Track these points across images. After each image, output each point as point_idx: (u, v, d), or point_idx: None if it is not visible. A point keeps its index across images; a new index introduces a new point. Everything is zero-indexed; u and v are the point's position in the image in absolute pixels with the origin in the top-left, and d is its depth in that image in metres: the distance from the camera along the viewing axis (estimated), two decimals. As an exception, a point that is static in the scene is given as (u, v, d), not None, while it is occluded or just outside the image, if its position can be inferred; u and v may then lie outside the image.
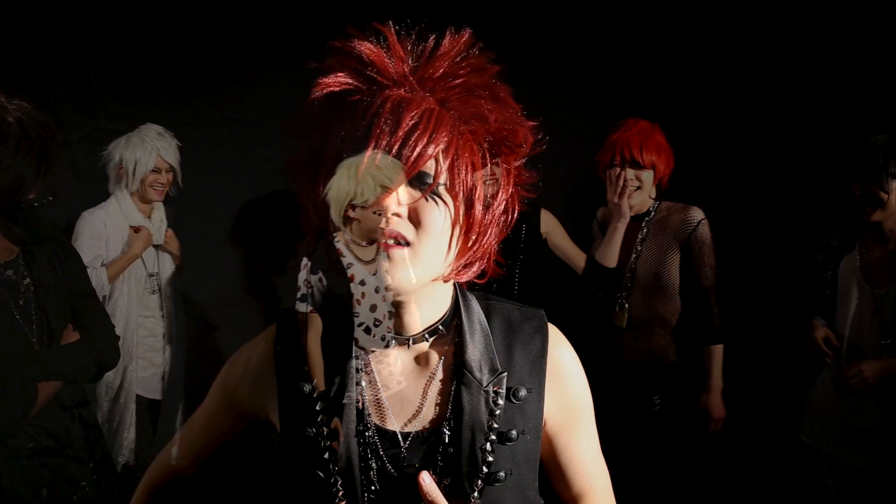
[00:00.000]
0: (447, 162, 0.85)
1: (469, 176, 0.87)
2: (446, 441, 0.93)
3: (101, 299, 2.79)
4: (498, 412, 0.93)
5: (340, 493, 0.91)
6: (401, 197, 0.83)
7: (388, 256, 0.83)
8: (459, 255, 0.90)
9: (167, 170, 2.81)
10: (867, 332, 2.23)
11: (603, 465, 1.07)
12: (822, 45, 2.84)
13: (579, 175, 3.01)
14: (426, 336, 0.94)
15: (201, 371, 3.02)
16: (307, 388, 0.93)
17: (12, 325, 1.76)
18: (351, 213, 0.83)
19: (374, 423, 0.93)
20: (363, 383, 0.94)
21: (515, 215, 0.95)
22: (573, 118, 2.86)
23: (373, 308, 0.84)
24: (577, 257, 2.90)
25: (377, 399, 0.94)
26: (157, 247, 2.87)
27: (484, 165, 0.88)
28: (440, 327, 0.95)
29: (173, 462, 1.10)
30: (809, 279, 2.47)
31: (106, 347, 2.02)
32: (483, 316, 0.99)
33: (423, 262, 0.85)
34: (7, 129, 1.60)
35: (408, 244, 0.84)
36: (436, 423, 0.94)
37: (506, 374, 0.95)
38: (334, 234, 0.84)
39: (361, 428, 0.92)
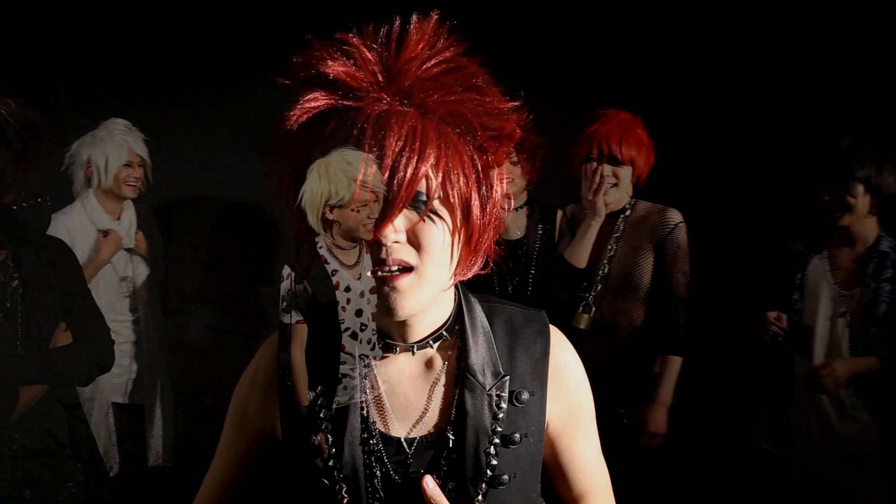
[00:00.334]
0: (439, 176, 0.83)
1: (463, 184, 0.85)
2: (450, 445, 0.93)
3: None
4: (501, 415, 0.93)
5: (345, 501, 0.91)
6: (397, 225, 0.82)
7: (395, 287, 0.83)
8: (462, 261, 0.90)
9: (139, 164, 2.70)
10: (836, 333, 2.26)
11: (603, 466, 1.07)
12: (788, 51, 2.83)
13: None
14: (430, 342, 0.94)
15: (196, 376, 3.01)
16: (310, 396, 0.93)
17: None
18: (329, 216, 0.82)
19: (379, 430, 0.93)
20: (367, 390, 0.94)
21: (512, 206, 0.94)
22: (568, 112, 2.83)
23: (358, 313, 0.83)
24: None
25: (381, 405, 0.94)
26: (128, 250, 2.76)
27: (475, 168, 0.87)
28: (444, 333, 0.95)
29: None
30: (776, 284, 2.45)
31: (99, 351, 1.96)
32: (485, 319, 0.99)
33: (429, 282, 0.85)
34: None
35: (412, 268, 0.83)
36: (440, 428, 0.94)
37: (508, 377, 0.95)
38: (316, 240, 0.83)
39: (366, 435, 0.92)
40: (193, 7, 2.88)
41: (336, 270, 0.82)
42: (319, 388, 0.93)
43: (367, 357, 0.93)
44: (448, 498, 0.91)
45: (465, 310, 0.97)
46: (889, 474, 2.23)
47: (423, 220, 0.83)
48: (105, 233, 2.65)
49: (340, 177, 0.80)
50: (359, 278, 0.82)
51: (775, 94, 2.86)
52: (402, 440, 0.93)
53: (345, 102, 0.83)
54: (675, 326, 2.36)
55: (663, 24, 2.97)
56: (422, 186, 0.82)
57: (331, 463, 0.91)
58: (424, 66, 0.84)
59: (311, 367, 0.94)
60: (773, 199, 2.82)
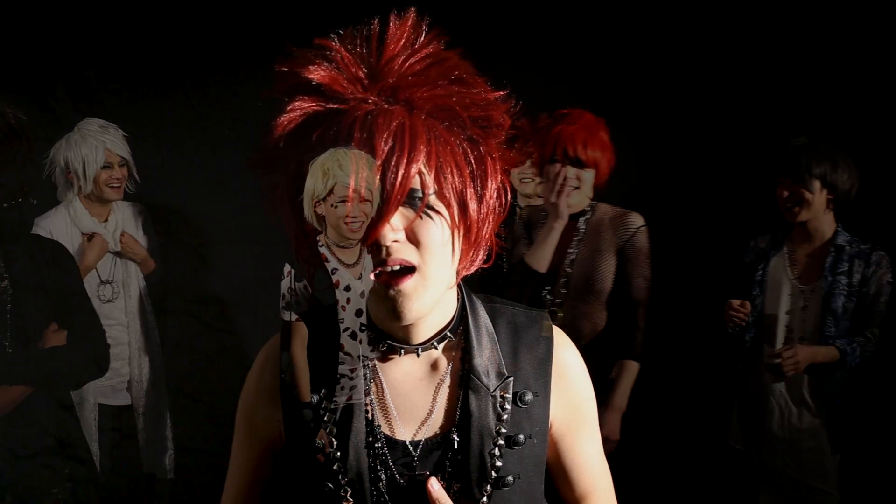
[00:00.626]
0: (432, 171, 0.83)
1: (457, 178, 0.85)
2: (455, 447, 0.93)
3: None
4: (505, 417, 0.93)
5: None
6: (394, 224, 0.82)
7: (400, 290, 0.82)
8: (463, 255, 0.90)
9: (119, 163, 2.61)
10: (797, 327, 2.34)
11: (605, 467, 1.07)
12: (744, 50, 2.85)
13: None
14: (435, 344, 0.94)
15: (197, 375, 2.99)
16: (314, 399, 0.93)
17: None
18: (318, 210, 0.82)
19: (384, 433, 0.93)
20: (372, 393, 0.93)
21: (510, 198, 0.94)
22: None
23: (358, 313, 0.83)
24: None
25: (386, 408, 0.94)
26: (115, 253, 2.69)
27: (468, 161, 0.87)
28: (448, 333, 0.95)
29: None
30: (738, 281, 2.50)
31: (93, 353, 1.93)
32: (489, 320, 0.99)
33: (433, 281, 0.85)
34: None
35: (414, 268, 0.83)
36: (445, 429, 0.94)
37: (512, 378, 0.95)
38: (318, 238, 0.83)
39: (371, 439, 0.92)
40: (194, 7, 2.88)
41: (336, 269, 0.82)
42: (323, 391, 0.93)
43: (369, 359, 0.93)
44: (453, 499, 0.91)
45: (468, 310, 0.97)
46: (841, 469, 2.31)
47: (421, 217, 0.83)
48: (90, 237, 2.60)
49: (318, 172, 0.81)
50: (359, 278, 0.82)
51: (733, 93, 2.87)
52: (408, 443, 0.93)
53: (330, 106, 0.83)
54: (634, 331, 2.36)
55: (620, 26, 2.97)
56: (416, 183, 0.82)
57: (335, 466, 0.91)
58: (407, 63, 0.84)
59: (314, 369, 0.93)
60: (735, 197, 2.85)
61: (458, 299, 0.98)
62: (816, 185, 2.23)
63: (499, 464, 0.92)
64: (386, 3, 0.88)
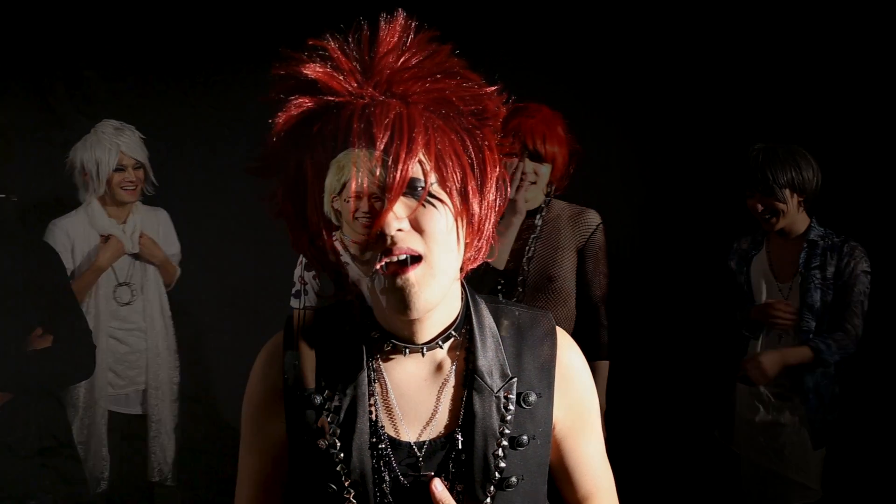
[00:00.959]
0: (432, 160, 0.83)
1: (457, 167, 0.85)
2: (459, 447, 0.93)
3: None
4: (509, 418, 0.93)
5: None
6: (398, 212, 0.81)
7: (408, 279, 0.81)
8: (468, 247, 0.90)
9: (134, 166, 2.60)
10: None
11: (608, 468, 1.07)
12: (699, 51, 2.86)
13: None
14: (440, 343, 0.93)
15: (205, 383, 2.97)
16: (318, 399, 0.92)
17: None
18: (335, 205, 0.82)
19: (388, 434, 0.93)
20: (376, 393, 0.93)
21: (509, 190, 0.94)
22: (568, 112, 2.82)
23: (367, 308, 0.84)
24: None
25: (390, 409, 0.94)
26: (134, 255, 2.68)
27: (466, 151, 0.87)
28: (453, 332, 0.94)
29: None
30: (726, 284, 2.52)
31: (75, 355, 1.89)
32: (492, 320, 0.98)
33: (440, 270, 0.84)
34: None
35: (419, 257, 0.83)
36: (449, 430, 0.94)
37: (516, 379, 0.95)
38: (333, 233, 0.83)
39: (375, 440, 0.92)
40: (194, 7, 2.88)
41: (348, 263, 0.82)
42: (326, 391, 0.93)
43: (376, 359, 0.94)
44: (456, 500, 0.91)
45: (472, 310, 0.97)
46: (826, 465, 2.32)
47: (423, 206, 0.83)
48: (106, 238, 2.60)
49: (335, 168, 0.81)
50: (372, 276, 0.82)
51: (711, 93, 2.88)
52: (413, 444, 0.93)
53: (328, 99, 0.84)
54: (599, 329, 2.34)
55: (606, 24, 2.98)
56: (416, 172, 0.82)
57: (338, 467, 0.91)
58: (401, 58, 0.85)
59: (319, 369, 0.93)
60: (720, 197, 2.85)
61: (461, 299, 0.97)
62: (787, 193, 2.26)
63: (502, 465, 0.92)
64: (375, 5, 0.89)
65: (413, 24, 0.86)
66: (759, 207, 2.31)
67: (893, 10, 2.58)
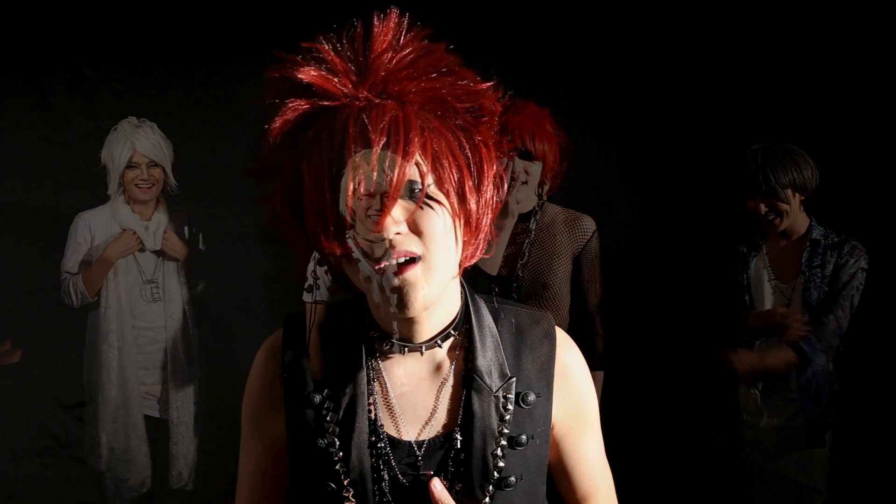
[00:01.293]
0: (429, 161, 0.83)
1: (454, 167, 0.85)
2: (458, 447, 0.93)
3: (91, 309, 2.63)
4: (508, 417, 0.93)
5: None
6: (396, 215, 0.81)
7: (405, 279, 0.82)
8: (465, 245, 0.90)
9: (148, 164, 2.57)
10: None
11: (607, 468, 1.07)
12: (691, 50, 2.85)
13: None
14: (439, 342, 0.93)
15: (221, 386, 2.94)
16: (317, 398, 0.93)
17: None
18: (350, 203, 0.82)
19: (387, 433, 0.93)
20: (375, 392, 0.93)
21: (506, 188, 0.93)
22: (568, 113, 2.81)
23: (376, 306, 0.84)
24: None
25: (389, 408, 0.94)
26: (157, 252, 2.67)
27: (463, 150, 0.87)
28: (452, 331, 0.94)
29: None
30: (725, 287, 2.48)
31: None
32: (492, 320, 0.98)
33: (437, 270, 0.84)
34: None
35: (418, 258, 0.83)
36: (448, 429, 0.94)
37: (515, 378, 0.95)
38: (347, 232, 0.83)
39: (374, 439, 0.92)
40: (194, 6, 2.88)
41: (359, 259, 0.82)
42: (326, 390, 0.93)
43: (375, 358, 0.94)
44: (455, 500, 0.91)
45: (471, 309, 0.97)
46: (833, 466, 2.30)
47: (421, 208, 0.83)
48: (122, 231, 2.61)
49: (349, 167, 0.81)
50: (382, 272, 0.82)
51: (709, 94, 2.86)
52: (413, 443, 0.93)
53: (323, 104, 0.83)
54: (594, 338, 2.29)
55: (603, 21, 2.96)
56: (413, 174, 0.82)
57: (338, 466, 0.91)
58: (395, 58, 0.84)
59: (318, 368, 0.94)
60: (720, 198, 2.84)
61: (461, 297, 0.97)
62: (789, 193, 2.25)
63: (501, 464, 0.92)
64: (368, 4, 0.89)
65: (406, 23, 0.86)
66: (763, 209, 2.28)
67: (886, 9, 2.58)
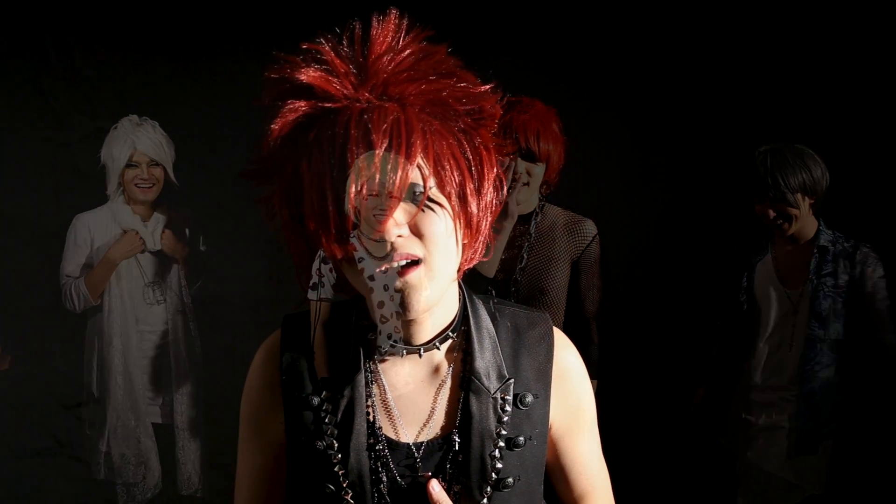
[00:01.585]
0: (430, 164, 0.83)
1: (455, 170, 0.85)
2: (456, 448, 0.93)
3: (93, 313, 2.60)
4: (506, 419, 0.94)
5: None
6: (398, 218, 0.81)
7: (406, 282, 0.82)
8: (466, 248, 0.90)
9: (148, 164, 2.52)
10: (787, 333, 2.30)
11: (604, 467, 1.08)
12: (693, 49, 2.84)
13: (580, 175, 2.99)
14: (437, 344, 0.93)
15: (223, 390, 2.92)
16: (315, 400, 0.93)
17: None
18: (354, 203, 0.81)
19: (385, 436, 0.93)
20: (374, 394, 0.94)
21: (506, 190, 0.93)
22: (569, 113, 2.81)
23: (380, 304, 0.83)
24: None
25: (388, 410, 0.94)
26: (157, 253, 2.62)
27: (464, 153, 0.87)
28: (450, 334, 0.94)
29: None
30: (724, 290, 2.45)
31: None
32: (489, 321, 0.99)
33: (438, 273, 0.84)
34: None
35: (419, 261, 0.83)
36: (446, 431, 0.94)
37: (513, 380, 0.95)
38: (353, 232, 0.83)
39: (372, 441, 0.92)
40: (195, 6, 2.88)
41: (362, 258, 0.82)
42: (324, 392, 0.93)
43: (373, 360, 0.94)
44: (454, 501, 0.92)
45: (469, 311, 0.97)
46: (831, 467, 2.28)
47: (423, 211, 0.83)
48: (124, 232, 2.56)
49: (356, 167, 0.80)
50: (385, 271, 0.82)
51: (712, 94, 2.86)
52: (411, 445, 0.93)
53: (323, 105, 0.83)
54: (589, 346, 2.23)
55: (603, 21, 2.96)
56: (415, 177, 0.82)
57: (336, 468, 0.91)
58: (395, 60, 0.84)
59: (317, 370, 0.94)
60: (721, 200, 2.82)
61: (459, 299, 0.97)
62: (799, 198, 2.19)
63: (499, 465, 0.93)
64: (368, 5, 0.89)
65: (406, 24, 0.86)
66: (771, 214, 2.22)
67: (887, 9, 2.56)
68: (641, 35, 2.90)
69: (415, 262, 0.82)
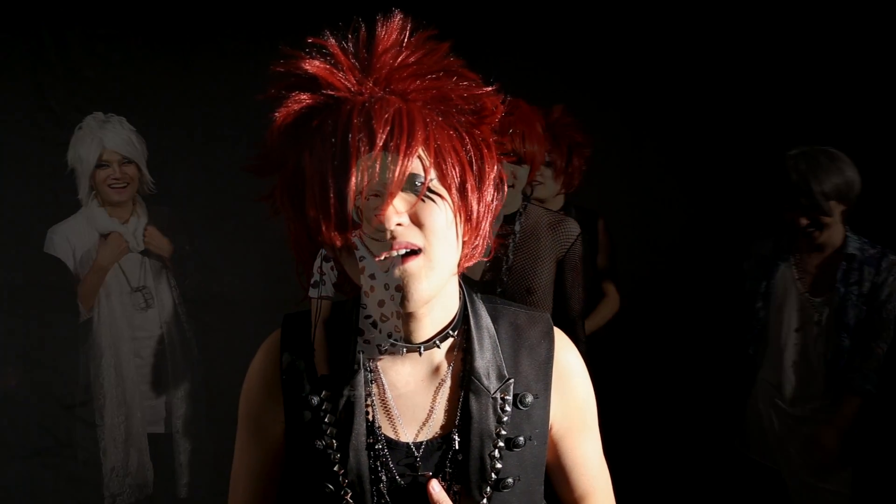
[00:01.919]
0: (431, 156, 0.84)
1: (456, 163, 0.86)
2: (456, 448, 0.93)
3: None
4: (506, 419, 0.93)
5: None
6: (398, 206, 0.82)
7: (406, 270, 0.82)
8: (466, 242, 0.90)
9: (120, 162, 2.35)
10: (808, 342, 2.21)
11: (604, 467, 1.07)
12: (730, 47, 2.82)
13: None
14: (437, 342, 0.93)
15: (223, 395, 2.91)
16: (315, 400, 0.92)
17: None
18: (357, 203, 0.82)
19: (385, 435, 0.93)
20: (373, 394, 0.93)
21: (506, 188, 0.94)
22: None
23: (381, 303, 0.84)
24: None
25: (387, 409, 0.94)
26: (143, 254, 2.48)
27: (465, 147, 0.88)
28: (450, 332, 0.94)
29: None
30: (736, 289, 2.37)
31: None
32: (490, 320, 0.98)
33: (438, 263, 0.84)
34: None
35: (419, 250, 0.83)
36: (446, 431, 0.94)
37: (513, 380, 0.95)
38: (354, 232, 0.83)
39: (371, 440, 0.92)
40: (195, 6, 2.88)
41: (364, 257, 0.83)
42: (324, 392, 0.93)
43: (374, 359, 0.94)
44: (453, 501, 0.92)
45: (470, 310, 0.97)
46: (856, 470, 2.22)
47: (423, 201, 0.83)
48: (106, 236, 2.43)
49: (359, 167, 0.81)
50: (387, 270, 0.82)
51: (722, 90, 2.83)
52: (411, 444, 0.93)
53: (328, 93, 0.84)
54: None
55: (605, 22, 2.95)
56: (416, 168, 0.83)
57: (335, 468, 0.91)
58: (399, 56, 0.85)
59: (316, 369, 0.94)
60: (733, 196, 2.79)
61: (459, 298, 0.97)
62: (833, 205, 2.08)
63: (499, 466, 0.93)
64: (373, 5, 0.89)
65: (409, 24, 0.87)
66: (804, 222, 2.12)
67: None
68: (657, 34, 2.88)
69: (415, 252, 0.82)
